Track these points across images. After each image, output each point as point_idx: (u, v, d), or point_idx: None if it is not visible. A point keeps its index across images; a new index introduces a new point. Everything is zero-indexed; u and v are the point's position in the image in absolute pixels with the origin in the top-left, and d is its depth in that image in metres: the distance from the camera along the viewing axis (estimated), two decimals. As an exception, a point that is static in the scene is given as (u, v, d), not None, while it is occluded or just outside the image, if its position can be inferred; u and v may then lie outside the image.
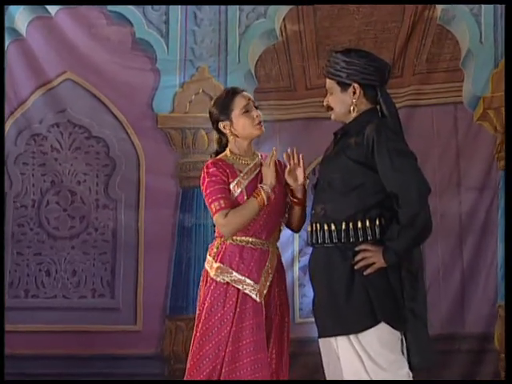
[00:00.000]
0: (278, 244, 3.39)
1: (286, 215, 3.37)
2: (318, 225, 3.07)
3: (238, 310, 3.19)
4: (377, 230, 2.97)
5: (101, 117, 5.59)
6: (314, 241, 3.10)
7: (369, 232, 2.97)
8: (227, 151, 3.36)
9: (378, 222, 2.98)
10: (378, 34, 5.61)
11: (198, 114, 5.51)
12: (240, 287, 3.20)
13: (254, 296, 3.19)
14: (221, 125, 3.35)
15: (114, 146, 5.60)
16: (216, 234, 3.34)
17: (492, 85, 5.40)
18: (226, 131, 3.34)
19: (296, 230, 3.46)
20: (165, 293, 5.47)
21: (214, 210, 3.23)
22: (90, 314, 5.39)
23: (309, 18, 5.66)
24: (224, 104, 3.34)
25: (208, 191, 3.26)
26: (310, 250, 3.24)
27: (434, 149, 5.48)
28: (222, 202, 3.21)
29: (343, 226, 2.99)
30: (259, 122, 3.31)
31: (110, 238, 5.54)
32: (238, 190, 3.26)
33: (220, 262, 3.24)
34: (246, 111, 3.30)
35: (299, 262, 5.50)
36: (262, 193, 3.22)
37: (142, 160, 5.59)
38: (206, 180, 3.27)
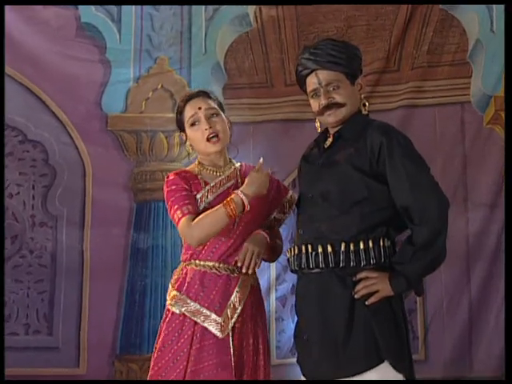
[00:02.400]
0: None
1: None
2: (308, 246, 3.04)
3: (195, 346, 3.18)
4: (382, 253, 2.97)
5: (38, 117, 5.54)
6: (302, 265, 3.06)
7: (372, 254, 2.96)
8: (196, 161, 3.41)
9: (382, 243, 2.98)
10: (371, 20, 5.63)
11: (156, 114, 5.51)
12: (198, 320, 3.19)
13: (214, 331, 3.18)
14: (181, 136, 3.44)
15: (55, 151, 5.55)
16: (181, 257, 3.35)
17: (505, 82, 5.43)
18: (186, 143, 3.42)
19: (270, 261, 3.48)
20: (114, 328, 5.42)
21: (176, 219, 3.23)
22: (22, 355, 5.31)
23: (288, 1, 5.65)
24: (177, 113, 3.43)
25: (170, 202, 3.27)
26: (290, 276, 3.20)
27: (437, 157, 5.45)
28: (184, 208, 3.21)
29: (342, 248, 2.97)
30: (211, 137, 3.29)
31: (48, 262, 5.47)
32: (202, 205, 3.27)
33: (177, 289, 3.26)
34: (193, 124, 3.34)
35: (276, 290, 5.50)
36: (234, 202, 3.15)
37: (88, 169, 5.54)
38: (167, 190, 3.31)
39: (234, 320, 3.19)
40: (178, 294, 3.24)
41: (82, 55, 5.57)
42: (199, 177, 3.32)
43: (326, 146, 3.18)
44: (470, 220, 5.47)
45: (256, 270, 3.32)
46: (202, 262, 3.25)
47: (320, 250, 2.99)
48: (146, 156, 5.58)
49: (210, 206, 3.24)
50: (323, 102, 3.12)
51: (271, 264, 5.39)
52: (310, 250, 3.02)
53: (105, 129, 5.57)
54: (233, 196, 3.17)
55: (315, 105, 3.16)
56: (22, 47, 5.49)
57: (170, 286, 3.33)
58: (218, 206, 3.18)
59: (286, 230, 5.04)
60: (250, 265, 3.17)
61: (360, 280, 2.96)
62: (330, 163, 3.09)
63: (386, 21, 5.59)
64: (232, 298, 3.22)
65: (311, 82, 3.17)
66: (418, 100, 5.56)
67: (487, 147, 5.48)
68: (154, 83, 5.61)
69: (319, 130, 3.25)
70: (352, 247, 2.95)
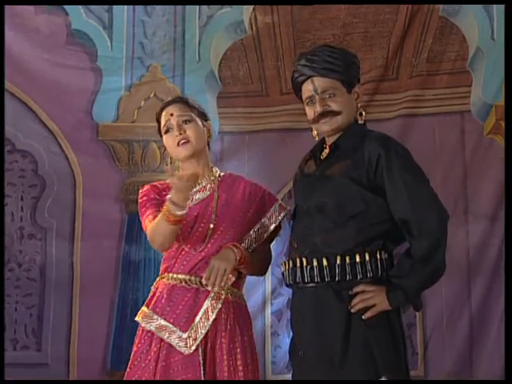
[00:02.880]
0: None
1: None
2: (303, 260, 3.02)
3: (161, 364, 3.16)
4: (379, 266, 2.97)
5: (27, 126, 5.54)
6: (297, 279, 3.04)
7: (369, 267, 2.95)
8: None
9: (379, 256, 2.97)
10: (369, 27, 5.64)
11: (149, 124, 5.43)
12: (163, 336, 3.18)
13: (178, 347, 3.15)
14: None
15: (44, 161, 5.55)
16: None
17: (506, 91, 5.44)
18: (166, 151, 3.45)
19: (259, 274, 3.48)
20: (105, 344, 5.40)
21: (144, 227, 3.31)
22: (10, 372, 5.14)
23: (284, 8, 5.71)
24: (156, 121, 3.46)
25: (141, 212, 3.35)
26: (285, 290, 3.19)
27: (436, 167, 5.46)
28: (151, 216, 3.26)
29: (338, 261, 2.96)
30: (181, 143, 3.31)
31: (37, 275, 5.46)
32: None
33: (146, 304, 3.28)
34: (167, 131, 3.35)
35: (272, 305, 5.49)
36: (168, 207, 3.13)
37: (78, 179, 5.54)
38: (139, 202, 3.39)
39: (201, 336, 3.16)
40: (146, 309, 3.25)
41: (72, 63, 5.57)
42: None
43: (322, 158, 3.17)
44: (470, 232, 5.44)
45: (241, 283, 3.33)
46: (174, 275, 3.25)
47: (315, 263, 2.98)
48: (138, 166, 5.58)
49: (186, 219, 3.24)
50: (318, 109, 3.11)
51: (266, 277, 5.40)
52: (304, 263, 3.01)
53: (96, 138, 5.56)
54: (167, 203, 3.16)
55: (310, 112, 3.15)
56: (11, 54, 5.48)
57: None
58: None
59: (282, 243, 5.05)
60: (215, 282, 3.11)
61: (356, 294, 2.94)
62: (327, 175, 3.08)
63: (384, 28, 5.58)
64: (200, 312, 3.19)
65: (307, 88, 3.16)
66: (417, 109, 5.56)
67: (488, 157, 5.47)
68: (147, 92, 5.60)
69: (317, 138, 3.23)
70: (348, 260, 2.94)
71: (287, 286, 3.17)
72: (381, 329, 2.93)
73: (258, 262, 3.35)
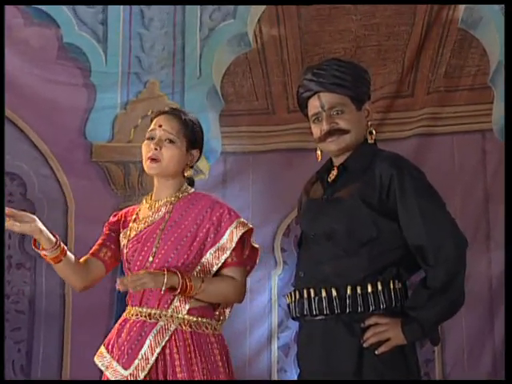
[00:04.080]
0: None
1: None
2: (311, 291, 3.01)
3: None
4: (393, 296, 2.95)
5: (16, 146, 5.53)
6: (304, 312, 3.03)
7: (382, 298, 2.94)
8: None
9: (393, 286, 2.96)
10: (382, 40, 5.69)
11: (146, 144, 5.47)
12: (110, 375, 3.17)
13: None
14: None
15: (34, 184, 5.57)
16: None
17: (530, 108, 5.44)
18: None
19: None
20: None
21: None
22: None
23: (291, 20, 5.73)
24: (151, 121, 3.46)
25: None
26: (293, 323, 3.18)
27: (456, 190, 5.49)
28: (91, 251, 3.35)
29: (348, 292, 2.95)
30: (151, 158, 3.27)
31: (26, 308, 5.47)
32: (122, 245, 3.37)
33: (103, 343, 3.27)
34: (149, 138, 3.32)
35: (278, 339, 5.47)
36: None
37: (70, 204, 5.56)
38: None
39: (144, 373, 3.12)
40: (102, 347, 3.25)
41: (64, 79, 5.60)
42: (135, 213, 3.38)
43: (329, 180, 3.15)
44: (492, 260, 5.45)
45: (208, 309, 3.28)
46: (129, 308, 3.27)
47: (324, 294, 2.97)
48: (135, 190, 5.58)
49: (128, 244, 3.29)
50: (325, 127, 3.08)
51: (272, 309, 5.40)
52: (312, 294, 3.00)
53: (89, 160, 5.58)
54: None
55: (316, 130, 3.12)
56: (-1, 69, 5.56)
57: None
58: None
59: (289, 272, 5.05)
60: (124, 281, 3.08)
61: (369, 327, 2.93)
62: (335, 199, 3.07)
63: (398, 41, 5.64)
64: (144, 347, 3.15)
65: (313, 105, 3.14)
66: (435, 128, 5.59)
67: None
68: (144, 109, 5.57)
69: (319, 159, 3.20)
70: (359, 290, 2.93)
71: (293, 319, 3.15)
72: (395, 365, 2.92)
73: (218, 290, 3.26)
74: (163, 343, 3.17)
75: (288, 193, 5.14)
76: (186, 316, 3.21)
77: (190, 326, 3.22)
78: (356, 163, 3.09)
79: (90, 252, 3.41)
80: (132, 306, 3.25)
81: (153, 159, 3.26)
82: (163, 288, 3.09)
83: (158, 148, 3.26)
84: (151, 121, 3.37)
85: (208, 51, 5.69)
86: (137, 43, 5.69)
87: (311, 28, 5.69)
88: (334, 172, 3.16)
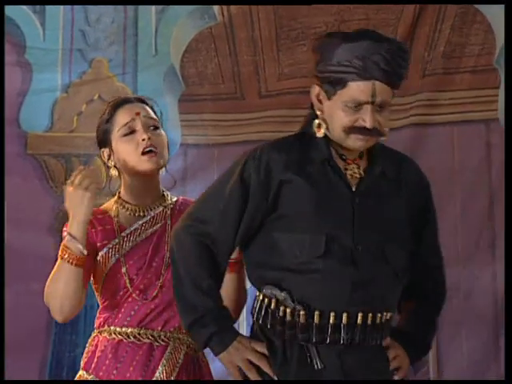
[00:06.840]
0: None
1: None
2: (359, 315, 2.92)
3: None
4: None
5: None
6: (350, 339, 2.92)
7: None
8: (116, 196, 3.42)
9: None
10: (371, 13, 5.69)
11: (92, 134, 5.38)
12: None
13: None
14: (102, 153, 3.42)
15: (-43, 182, 5.53)
16: (95, 324, 3.38)
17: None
18: (108, 163, 3.40)
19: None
20: (33, 416, 5.40)
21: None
22: None
23: (264, -10, 5.70)
24: (102, 122, 3.43)
25: None
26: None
27: (456, 190, 5.57)
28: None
29: (387, 317, 2.97)
30: (147, 151, 3.28)
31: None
32: (113, 258, 3.28)
33: (83, 368, 3.25)
34: (129, 133, 3.31)
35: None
36: (70, 246, 3.15)
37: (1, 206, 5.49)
38: None
39: None
40: (85, 373, 3.23)
41: (-7, 56, 5.60)
42: (115, 220, 3.33)
43: (350, 176, 2.96)
44: (498, 273, 5.47)
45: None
46: (117, 329, 3.24)
47: (370, 320, 2.92)
48: (78, 188, 5.58)
49: (126, 256, 3.27)
50: (369, 123, 2.86)
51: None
52: (359, 320, 2.92)
53: (23, 152, 5.63)
54: (65, 241, 3.17)
55: (345, 119, 2.89)
56: None
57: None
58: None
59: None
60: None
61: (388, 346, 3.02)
62: (379, 208, 2.97)
63: (389, 14, 5.63)
64: (157, 373, 3.20)
65: (360, 89, 2.86)
66: (432, 116, 5.66)
67: (519, 177, 5.56)
68: (89, 93, 5.66)
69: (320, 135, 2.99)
70: (389, 316, 2.98)
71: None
72: None
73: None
74: (178, 368, 3.25)
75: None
76: (188, 337, 3.26)
77: (195, 351, 3.30)
78: (381, 160, 3.02)
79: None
80: (121, 326, 3.25)
81: (150, 152, 3.27)
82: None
83: (151, 138, 3.29)
84: (110, 114, 3.37)
85: (165, 25, 5.73)
86: (81, 15, 5.69)
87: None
88: (356, 170, 3.00)
